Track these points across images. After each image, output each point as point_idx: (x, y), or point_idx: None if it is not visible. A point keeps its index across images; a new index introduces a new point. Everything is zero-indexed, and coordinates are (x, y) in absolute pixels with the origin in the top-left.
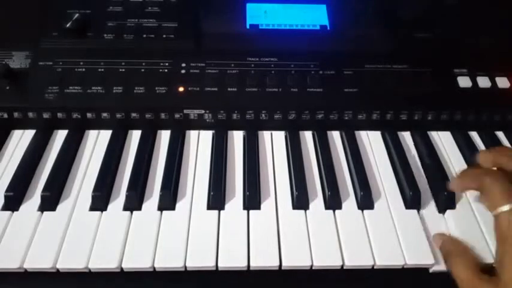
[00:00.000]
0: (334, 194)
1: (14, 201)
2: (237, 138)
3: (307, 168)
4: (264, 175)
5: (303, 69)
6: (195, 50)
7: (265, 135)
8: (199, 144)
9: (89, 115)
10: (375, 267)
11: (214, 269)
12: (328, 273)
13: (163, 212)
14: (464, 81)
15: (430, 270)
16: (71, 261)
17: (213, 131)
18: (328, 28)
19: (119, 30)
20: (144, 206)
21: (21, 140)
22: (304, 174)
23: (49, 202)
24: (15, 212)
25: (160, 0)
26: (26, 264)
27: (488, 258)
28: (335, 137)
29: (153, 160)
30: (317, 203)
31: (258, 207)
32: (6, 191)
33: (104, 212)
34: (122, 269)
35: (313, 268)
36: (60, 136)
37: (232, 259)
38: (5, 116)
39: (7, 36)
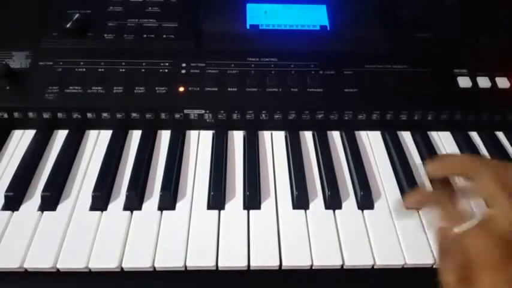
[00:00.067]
0: (334, 194)
1: (14, 201)
2: (237, 138)
3: (307, 168)
4: (264, 175)
5: (303, 70)
6: (195, 50)
7: (265, 135)
8: (200, 144)
9: (89, 115)
10: (375, 267)
11: (214, 268)
12: (328, 273)
13: (164, 212)
14: (464, 81)
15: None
16: (71, 261)
17: (213, 131)
18: (328, 28)
19: (119, 30)
20: (144, 206)
21: (21, 140)
22: (304, 174)
23: (49, 202)
24: (15, 212)
25: (161, 0)
26: (26, 264)
27: None
28: (335, 137)
29: (153, 160)
30: (317, 202)
31: (258, 207)
32: (7, 191)
33: (104, 212)
34: (122, 268)
35: (313, 268)
36: (60, 136)
37: (233, 259)
38: (5, 116)
39: (7, 36)
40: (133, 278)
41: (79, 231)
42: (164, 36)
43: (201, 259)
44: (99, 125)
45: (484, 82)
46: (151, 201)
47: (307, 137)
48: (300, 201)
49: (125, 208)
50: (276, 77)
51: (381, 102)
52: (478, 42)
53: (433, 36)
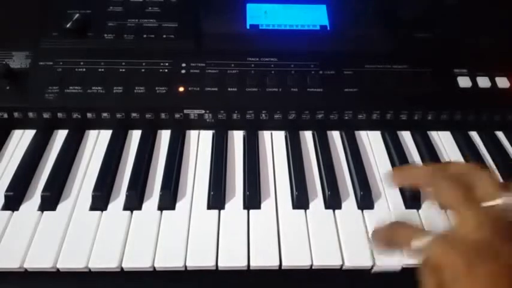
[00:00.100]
0: (334, 194)
1: (14, 201)
2: (237, 138)
3: (307, 168)
4: (264, 175)
5: (303, 69)
6: (195, 50)
7: (265, 135)
8: (200, 144)
9: (89, 115)
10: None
11: (214, 268)
12: (328, 273)
13: (164, 211)
14: (464, 81)
15: None
16: (71, 261)
17: (213, 131)
18: (328, 28)
19: (119, 30)
20: (144, 205)
21: (21, 140)
22: (304, 174)
23: (49, 202)
24: (15, 212)
25: (161, 0)
26: (26, 264)
27: None
28: (335, 137)
29: (153, 160)
30: (317, 202)
31: (258, 207)
32: (7, 190)
33: (104, 212)
34: (122, 268)
35: (313, 268)
36: (60, 136)
37: (232, 259)
38: (5, 116)
39: (7, 36)
40: (133, 278)
41: (79, 231)
42: (164, 36)
43: (201, 259)
44: (99, 125)
45: (484, 82)
46: (151, 201)
47: (307, 137)
48: (300, 201)
49: (125, 208)
50: (276, 77)
51: (381, 102)
52: (478, 42)
53: (433, 36)
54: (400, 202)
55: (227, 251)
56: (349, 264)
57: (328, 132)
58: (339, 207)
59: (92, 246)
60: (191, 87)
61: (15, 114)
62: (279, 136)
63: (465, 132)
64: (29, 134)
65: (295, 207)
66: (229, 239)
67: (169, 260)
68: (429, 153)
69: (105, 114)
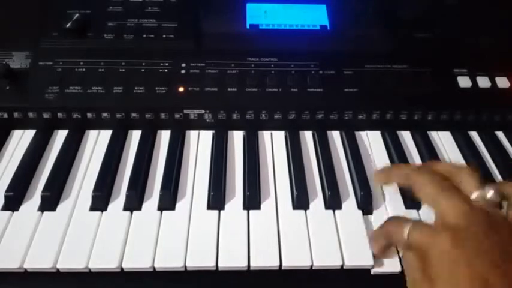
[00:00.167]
0: (334, 194)
1: (14, 201)
2: (237, 138)
3: (307, 168)
4: (264, 175)
5: (303, 69)
6: (195, 50)
7: (265, 135)
8: (199, 144)
9: (89, 115)
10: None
11: (214, 269)
12: (328, 273)
13: (164, 212)
14: (464, 81)
15: None
16: (71, 261)
17: (213, 131)
18: (328, 28)
19: (119, 30)
20: (144, 206)
21: (21, 140)
22: (304, 174)
23: (49, 202)
24: (15, 212)
25: (160, 0)
26: (26, 264)
27: None
28: (335, 137)
29: (153, 160)
30: (317, 203)
31: (258, 207)
32: (6, 191)
33: (104, 212)
34: (122, 269)
35: (313, 268)
36: (60, 136)
37: (233, 259)
38: (5, 116)
39: (7, 36)
40: (133, 278)
41: (79, 231)
42: (164, 36)
43: (201, 259)
44: (99, 125)
45: (484, 82)
46: (151, 201)
47: (307, 137)
48: (300, 201)
49: (125, 208)
50: (276, 77)
51: (381, 102)
52: (478, 42)
53: (433, 36)
54: (400, 202)
55: (227, 251)
56: (349, 264)
57: (328, 132)
58: (339, 208)
59: (92, 246)
60: (191, 87)
61: (15, 114)
62: (279, 136)
63: (465, 132)
64: (29, 134)
65: (295, 208)
66: (229, 239)
67: (169, 260)
68: (429, 153)
69: (105, 114)
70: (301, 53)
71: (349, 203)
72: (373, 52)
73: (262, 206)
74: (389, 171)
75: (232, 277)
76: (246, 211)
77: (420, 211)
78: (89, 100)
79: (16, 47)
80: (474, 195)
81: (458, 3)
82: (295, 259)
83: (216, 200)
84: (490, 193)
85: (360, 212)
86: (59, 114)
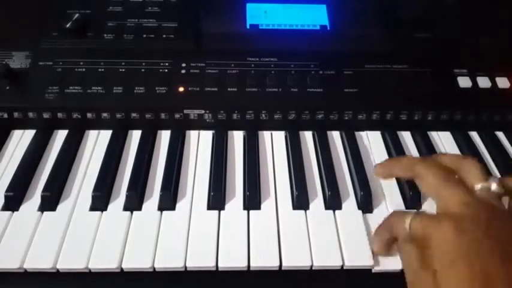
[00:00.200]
0: (334, 194)
1: (14, 201)
2: (237, 138)
3: (307, 168)
4: (264, 175)
5: (303, 69)
6: (195, 50)
7: (265, 135)
8: (199, 144)
9: (89, 115)
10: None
11: (214, 269)
12: (328, 273)
13: (164, 212)
14: (464, 81)
15: None
16: (71, 262)
17: (213, 131)
18: (328, 28)
19: (119, 30)
20: (144, 206)
21: (21, 140)
22: (304, 174)
23: (49, 202)
24: (15, 212)
25: (160, 0)
26: (26, 264)
27: None
28: (335, 137)
29: (153, 160)
30: (317, 203)
31: (258, 207)
32: (6, 191)
33: (104, 212)
34: (122, 269)
35: (313, 268)
36: (60, 136)
37: (233, 259)
38: (5, 116)
39: (7, 36)
40: (133, 278)
41: (79, 232)
42: (164, 36)
43: (201, 259)
44: (99, 125)
45: (484, 82)
46: (151, 201)
47: (307, 137)
48: (300, 201)
49: (125, 208)
50: (276, 77)
51: (381, 102)
52: (478, 42)
53: (433, 36)
54: (401, 202)
55: (227, 252)
56: (349, 264)
57: (328, 133)
58: (339, 208)
59: (92, 246)
60: (191, 87)
61: (15, 114)
62: (279, 136)
63: (465, 132)
64: (29, 134)
65: (295, 208)
66: (229, 239)
67: (169, 260)
68: (429, 153)
69: (105, 114)
70: (301, 53)
71: (349, 203)
72: (373, 52)
73: (262, 206)
74: (392, 163)
75: (232, 277)
76: (246, 211)
77: (420, 211)
78: (89, 100)
79: (16, 47)
80: (478, 187)
81: (458, 3)
82: (295, 259)
83: (216, 200)
84: (493, 185)
85: (360, 212)
86: (59, 114)
